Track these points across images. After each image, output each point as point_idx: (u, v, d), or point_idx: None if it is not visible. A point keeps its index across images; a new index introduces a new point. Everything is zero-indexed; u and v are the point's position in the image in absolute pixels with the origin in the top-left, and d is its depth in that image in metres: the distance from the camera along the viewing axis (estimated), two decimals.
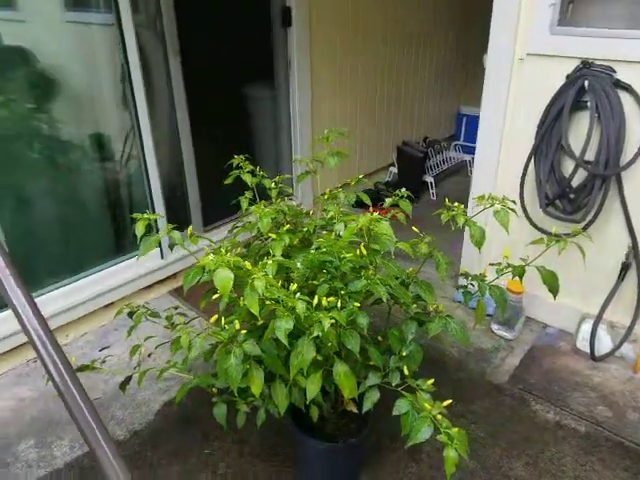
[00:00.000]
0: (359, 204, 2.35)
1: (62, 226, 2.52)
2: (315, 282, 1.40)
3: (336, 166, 1.77)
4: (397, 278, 1.45)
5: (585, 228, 2.16)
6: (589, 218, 2.15)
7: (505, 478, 1.75)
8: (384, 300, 1.32)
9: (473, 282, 1.51)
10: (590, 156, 2.08)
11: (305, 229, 1.64)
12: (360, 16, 3.49)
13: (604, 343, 2.26)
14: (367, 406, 1.40)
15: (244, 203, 1.75)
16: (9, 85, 2.26)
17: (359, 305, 1.34)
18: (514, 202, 1.39)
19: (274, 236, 1.52)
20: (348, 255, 1.38)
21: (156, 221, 2.50)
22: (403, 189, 1.61)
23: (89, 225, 2.62)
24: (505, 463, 1.80)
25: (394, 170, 4.23)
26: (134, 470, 1.78)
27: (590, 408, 2.03)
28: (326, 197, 1.75)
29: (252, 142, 3.32)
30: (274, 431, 1.91)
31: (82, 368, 1.53)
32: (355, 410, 1.61)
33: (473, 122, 4.35)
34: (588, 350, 2.28)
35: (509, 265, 1.48)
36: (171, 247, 1.58)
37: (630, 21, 1.97)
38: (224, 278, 1.15)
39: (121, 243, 2.71)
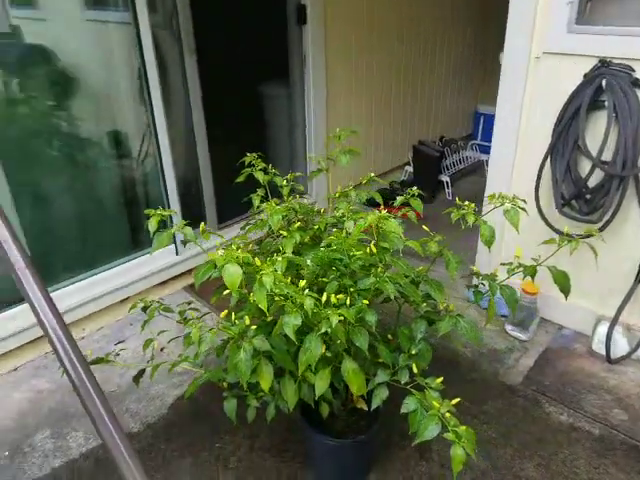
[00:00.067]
0: (372, 203, 2.35)
1: (80, 222, 2.57)
2: (325, 279, 1.41)
3: (348, 164, 1.78)
4: (407, 276, 1.45)
5: (602, 229, 2.14)
6: (606, 219, 2.13)
7: (516, 479, 1.74)
8: (392, 298, 1.32)
9: (484, 282, 1.50)
10: (607, 156, 2.06)
11: (316, 227, 1.65)
12: (375, 14, 3.48)
13: (620, 346, 2.23)
14: (376, 403, 1.41)
15: (256, 201, 1.76)
16: (30, 83, 2.31)
17: (368, 303, 1.34)
18: (524, 201, 1.38)
19: (285, 233, 1.53)
20: (358, 253, 1.38)
21: (171, 218, 2.55)
22: (414, 187, 1.61)
23: (106, 221, 2.67)
24: (517, 464, 1.79)
25: (409, 169, 4.21)
26: (147, 462, 1.81)
27: (605, 411, 2.00)
28: (337, 195, 1.75)
29: (267, 140, 3.34)
30: (285, 427, 1.92)
31: (96, 361, 1.56)
32: (365, 408, 1.61)
33: (490, 121, 4.28)
34: (604, 352, 2.25)
35: (520, 265, 1.47)
36: (184, 243, 1.60)
37: None
38: (233, 274, 1.17)
39: (137, 239, 2.75)
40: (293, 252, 1.49)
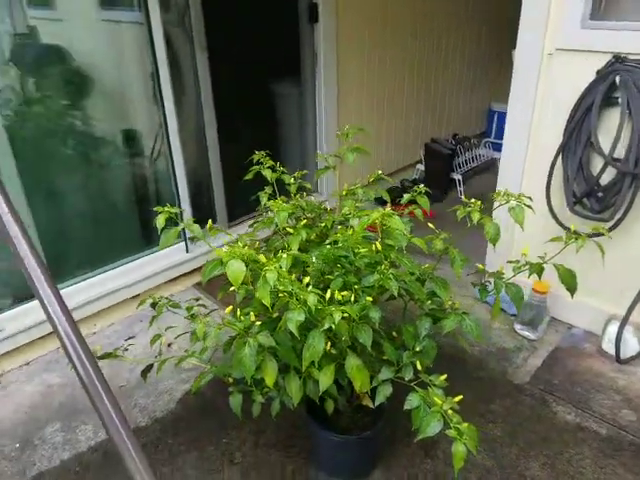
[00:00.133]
0: (383, 201, 2.35)
1: (92, 220, 2.61)
2: (330, 277, 1.42)
3: (356, 162, 1.78)
4: (412, 274, 1.45)
5: (613, 227, 2.11)
6: (617, 217, 2.10)
7: (521, 477, 1.73)
8: (395, 294, 1.32)
9: (490, 279, 1.49)
10: (620, 154, 2.03)
11: (323, 224, 1.66)
12: (388, 9, 3.47)
13: (630, 346, 2.20)
14: (379, 400, 1.41)
15: (263, 198, 1.77)
16: (46, 82, 2.35)
17: (372, 300, 1.35)
18: (530, 199, 1.37)
19: (291, 230, 1.54)
20: (363, 250, 1.38)
21: (182, 216, 2.57)
22: (421, 185, 1.60)
23: (118, 219, 2.71)
24: (522, 463, 1.78)
25: (421, 167, 4.19)
26: (154, 455, 1.84)
27: (614, 411, 1.98)
28: (344, 193, 1.76)
29: (278, 138, 3.35)
30: (290, 423, 1.93)
31: (104, 356, 1.59)
32: (371, 405, 1.62)
33: (504, 119, 4.25)
34: (614, 352, 2.22)
35: (527, 263, 1.46)
36: (192, 240, 1.62)
37: None
38: (236, 270, 1.18)
39: (148, 237, 2.78)
40: (300, 249, 1.50)
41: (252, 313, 1.36)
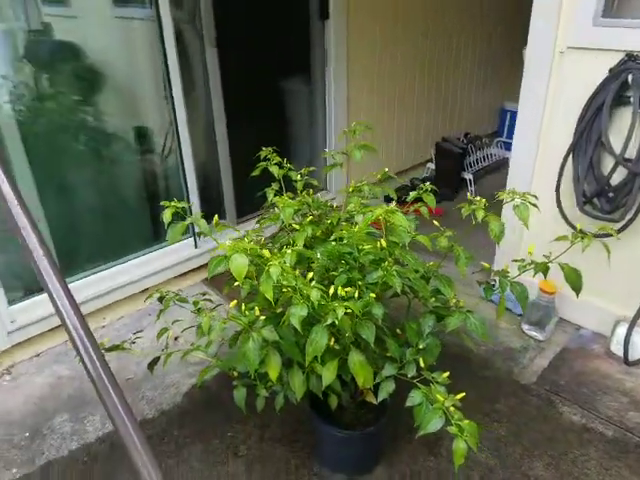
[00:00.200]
0: (392, 199, 2.35)
1: (103, 214, 2.64)
2: (335, 273, 1.42)
3: (363, 160, 1.78)
4: (417, 271, 1.45)
5: (623, 228, 2.10)
6: (628, 218, 2.08)
7: (524, 477, 1.72)
8: (399, 291, 1.33)
9: (495, 278, 1.49)
10: (631, 154, 2.01)
11: (329, 221, 1.66)
12: (399, 6, 3.46)
13: (638, 348, 2.18)
14: (382, 396, 1.42)
15: (270, 195, 1.78)
16: (59, 78, 2.38)
17: (376, 296, 1.35)
18: (535, 197, 1.36)
19: (297, 227, 1.55)
20: (367, 247, 1.39)
21: (191, 210, 2.59)
22: (427, 183, 1.60)
23: (128, 214, 2.73)
24: (526, 462, 1.78)
25: (432, 166, 4.18)
26: (159, 447, 1.86)
27: (620, 413, 1.97)
28: (351, 190, 1.76)
29: (287, 135, 3.36)
30: (295, 417, 1.94)
31: (111, 348, 1.61)
32: (374, 401, 1.62)
33: (516, 118, 4.24)
34: (622, 354, 2.21)
35: (532, 262, 1.45)
36: (199, 235, 1.63)
37: None
38: (239, 264, 1.19)
39: (158, 232, 2.80)
40: (305, 246, 1.51)
41: (256, 308, 1.37)
